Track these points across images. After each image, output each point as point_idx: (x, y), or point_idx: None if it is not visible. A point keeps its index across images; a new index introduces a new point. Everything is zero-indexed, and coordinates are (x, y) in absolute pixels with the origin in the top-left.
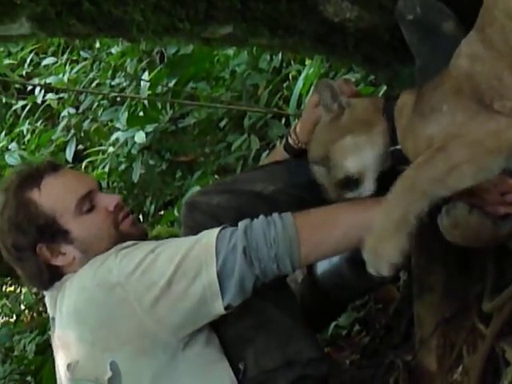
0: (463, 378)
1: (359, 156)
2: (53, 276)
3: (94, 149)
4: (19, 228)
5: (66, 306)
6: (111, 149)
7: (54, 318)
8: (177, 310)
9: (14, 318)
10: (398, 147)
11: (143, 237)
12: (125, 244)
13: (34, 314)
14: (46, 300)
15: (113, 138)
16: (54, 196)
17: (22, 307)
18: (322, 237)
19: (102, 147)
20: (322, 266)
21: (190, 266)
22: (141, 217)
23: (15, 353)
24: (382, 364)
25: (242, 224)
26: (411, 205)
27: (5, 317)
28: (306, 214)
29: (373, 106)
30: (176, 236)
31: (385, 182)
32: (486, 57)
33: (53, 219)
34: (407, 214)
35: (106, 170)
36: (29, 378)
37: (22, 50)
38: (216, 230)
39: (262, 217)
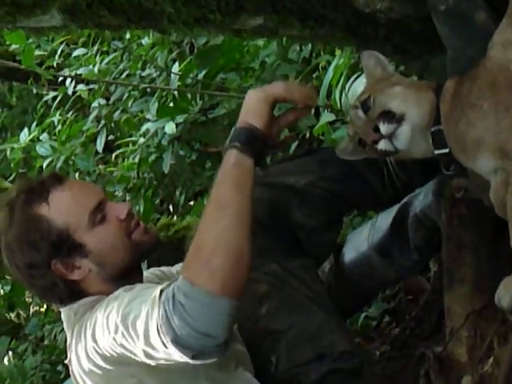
0: (494, 370)
1: (405, 102)
2: (70, 291)
3: (125, 140)
4: (32, 245)
5: (83, 348)
6: (141, 140)
7: (70, 346)
8: None
9: (45, 307)
10: (440, 127)
11: (156, 244)
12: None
13: None
14: (63, 318)
15: (143, 128)
16: (65, 210)
17: None
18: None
19: (133, 138)
20: (349, 255)
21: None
22: (171, 207)
23: (46, 342)
24: (412, 355)
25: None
26: None
27: (35, 306)
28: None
29: (425, 83)
30: None
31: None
32: None
33: (66, 234)
34: None
35: (136, 160)
36: (60, 368)
37: (53, 41)
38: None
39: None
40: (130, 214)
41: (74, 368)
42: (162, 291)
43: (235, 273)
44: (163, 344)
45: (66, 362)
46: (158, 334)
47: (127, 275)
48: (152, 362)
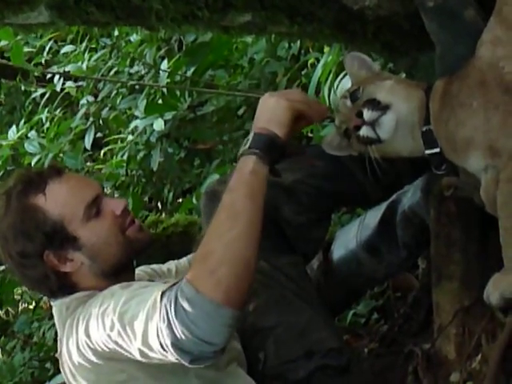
0: (482, 367)
1: (393, 94)
2: (61, 283)
3: (113, 137)
4: (26, 235)
5: (75, 342)
6: (130, 137)
7: (61, 340)
8: None
9: (34, 305)
10: (430, 127)
11: (150, 242)
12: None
13: None
14: (54, 312)
15: (132, 126)
16: (61, 202)
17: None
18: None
19: (121, 135)
20: (338, 252)
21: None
22: (159, 205)
23: (34, 339)
24: (400, 352)
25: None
26: None
27: (24, 304)
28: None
29: (416, 82)
30: (194, 223)
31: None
32: (506, 38)
33: (61, 226)
34: None
35: (125, 157)
36: (48, 365)
37: (41, 37)
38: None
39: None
40: (125, 210)
41: (65, 362)
42: (163, 293)
43: (240, 284)
44: (162, 346)
45: (57, 355)
46: (158, 336)
47: (119, 271)
48: (146, 361)
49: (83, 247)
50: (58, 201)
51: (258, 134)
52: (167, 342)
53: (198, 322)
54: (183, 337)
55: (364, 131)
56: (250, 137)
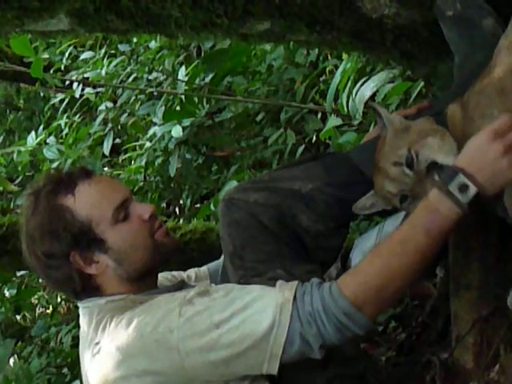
0: (500, 377)
1: (446, 153)
2: (85, 285)
3: (131, 144)
4: (53, 235)
5: (109, 343)
6: (148, 144)
7: (92, 340)
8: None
9: (51, 309)
10: None
11: (176, 247)
12: (189, 296)
13: (71, 306)
14: (81, 317)
15: (150, 132)
16: (90, 204)
17: (59, 299)
18: (381, 294)
19: (139, 142)
20: (356, 261)
21: (257, 348)
22: (177, 210)
23: (52, 345)
24: (418, 362)
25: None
26: None
27: (41, 308)
28: (358, 276)
29: (428, 121)
30: (212, 230)
31: None
32: None
33: (89, 227)
34: None
35: (143, 163)
36: (65, 371)
37: (60, 43)
38: (285, 321)
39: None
40: (153, 215)
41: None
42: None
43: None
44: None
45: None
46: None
47: (143, 276)
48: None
49: (109, 250)
50: (87, 202)
51: None
52: (315, 347)
53: (350, 333)
54: (334, 341)
55: (437, 180)
56: None
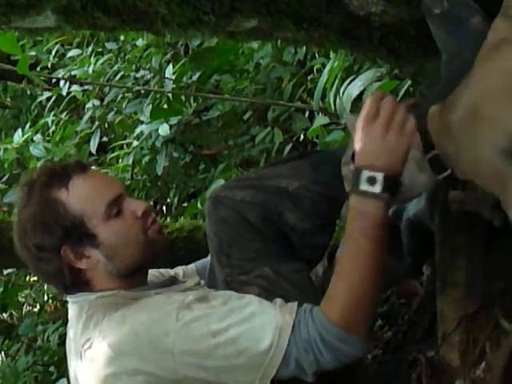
0: (486, 375)
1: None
2: (75, 279)
3: (119, 142)
4: (45, 227)
5: (101, 339)
6: (135, 142)
7: (82, 335)
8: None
9: (38, 308)
10: (434, 152)
11: (167, 244)
12: (187, 300)
13: (58, 305)
14: (69, 311)
15: (137, 131)
16: (83, 198)
17: (46, 297)
18: (361, 310)
19: (127, 141)
20: None
21: (251, 366)
22: (164, 209)
23: (39, 343)
24: (404, 359)
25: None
26: None
27: (28, 307)
28: (333, 302)
29: None
30: (199, 228)
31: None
32: None
33: (81, 222)
34: None
35: (130, 162)
36: (52, 369)
37: (47, 41)
38: (283, 345)
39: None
40: (146, 211)
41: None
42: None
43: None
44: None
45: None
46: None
47: (134, 273)
48: None
49: (101, 245)
50: (80, 196)
51: None
52: (310, 371)
53: (346, 357)
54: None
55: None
56: None
